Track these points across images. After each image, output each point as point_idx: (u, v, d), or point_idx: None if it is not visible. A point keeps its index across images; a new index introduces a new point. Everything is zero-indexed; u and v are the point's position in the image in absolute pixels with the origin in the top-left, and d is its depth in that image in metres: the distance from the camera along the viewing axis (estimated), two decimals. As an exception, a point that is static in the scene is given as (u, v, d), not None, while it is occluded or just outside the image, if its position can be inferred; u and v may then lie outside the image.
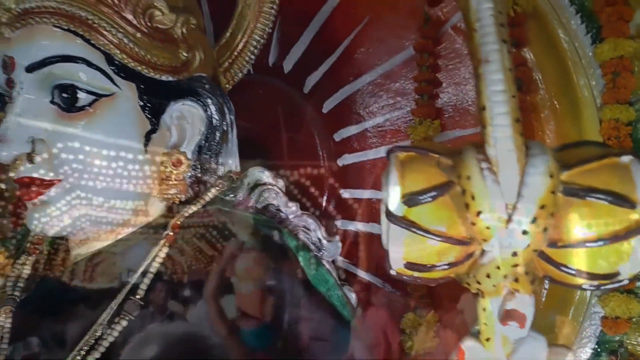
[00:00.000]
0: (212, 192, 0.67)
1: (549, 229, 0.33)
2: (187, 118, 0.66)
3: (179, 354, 0.57)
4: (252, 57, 0.75)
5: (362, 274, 0.82)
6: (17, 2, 0.57)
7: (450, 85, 0.79)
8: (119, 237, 0.65)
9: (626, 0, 0.71)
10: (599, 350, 0.70)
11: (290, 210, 0.70)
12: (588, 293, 0.70)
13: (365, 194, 0.85)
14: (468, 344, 0.37)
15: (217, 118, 0.67)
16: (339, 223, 0.84)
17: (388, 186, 0.34)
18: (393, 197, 0.34)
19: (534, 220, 0.32)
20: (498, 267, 0.33)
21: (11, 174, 0.59)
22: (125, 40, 0.59)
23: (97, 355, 0.56)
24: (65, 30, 0.57)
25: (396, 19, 0.83)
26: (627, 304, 0.64)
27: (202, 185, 0.69)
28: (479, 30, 0.37)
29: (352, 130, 0.86)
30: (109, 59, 0.59)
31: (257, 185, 0.71)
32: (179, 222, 0.63)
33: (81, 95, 0.58)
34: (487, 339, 0.37)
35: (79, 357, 0.57)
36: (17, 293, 0.67)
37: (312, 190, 0.86)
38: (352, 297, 0.70)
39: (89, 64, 0.58)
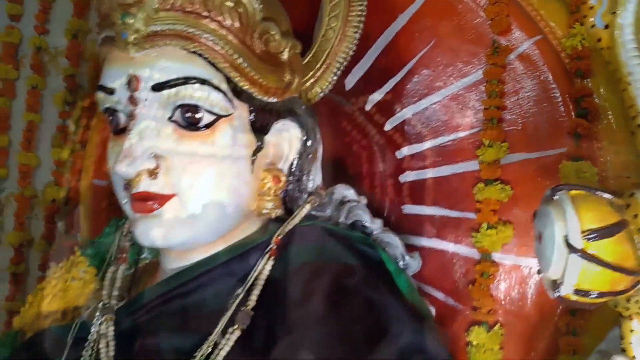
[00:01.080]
0: (307, 208, 0.71)
1: None
2: (284, 137, 0.69)
3: None
4: (335, 77, 0.78)
5: (424, 287, 0.86)
6: (147, 24, 0.59)
7: (514, 109, 0.84)
8: (216, 250, 0.68)
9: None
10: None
11: (375, 226, 0.73)
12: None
13: (428, 210, 0.89)
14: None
15: (311, 137, 0.71)
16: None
17: (566, 221, 0.38)
18: (573, 232, 0.38)
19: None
20: (667, 296, 0.38)
21: (132, 190, 0.61)
22: (245, 64, 0.62)
23: None
24: (191, 52, 0.60)
25: (462, 44, 0.88)
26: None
27: (292, 201, 0.72)
28: (633, 84, 0.41)
29: (415, 148, 0.90)
30: (228, 81, 0.62)
31: (343, 201, 0.74)
32: (280, 237, 0.66)
33: (204, 115, 0.61)
34: (633, 357, 0.42)
35: None
36: (113, 302, 0.69)
37: (374, 206, 0.89)
38: (432, 310, 0.74)
39: (213, 85, 0.60)
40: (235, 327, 0.60)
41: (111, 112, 0.65)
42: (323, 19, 0.78)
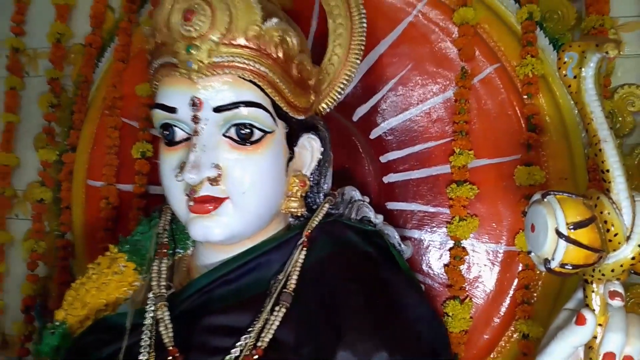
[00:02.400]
0: (326, 207, 0.85)
1: (645, 243, 0.57)
2: (307, 147, 0.83)
3: None
4: (339, 96, 0.92)
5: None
6: (210, 56, 0.70)
7: (478, 123, 1.02)
8: (253, 244, 0.80)
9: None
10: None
11: (378, 221, 0.89)
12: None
13: (407, 206, 1.06)
14: (585, 311, 0.60)
15: (327, 147, 0.85)
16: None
17: (556, 216, 0.56)
18: (561, 224, 0.56)
19: (643, 240, 0.56)
20: (621, 265, 0.57)
21: (196, 194, 0.72)
22: (286, 89, 0.75)
23: (269, 336, 0.71)
24: (246, 80, 0.72)
25: (435, 68, 1.05)
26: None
27: (311, 201, 0.86)
28: (595, 120, 0.59)
29: (396, 154, 1.07)
30: (272, 103, 0.74)
31: (352, 201, 0.89)
32: (309, 231, 0.80)
33: (255, 132, 0.73)
34: (594, 310, 0.60)
35: (250, 340, 0.72)
36: (163, 290, 0.79)
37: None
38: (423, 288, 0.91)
39: (264, 108, 0.73)
40: (281, 305, 0.74)
41: (167, 127, 0.75)
42: (328, 46, 0.92)
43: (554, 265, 0.58)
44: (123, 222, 1.21)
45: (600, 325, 0.60)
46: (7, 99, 1.37)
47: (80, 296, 0.84)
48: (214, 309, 0.76)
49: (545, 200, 0.59)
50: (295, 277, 0.76)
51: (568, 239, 0.56)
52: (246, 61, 0.71)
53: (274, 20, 0.73)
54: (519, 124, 1.01)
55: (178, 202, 0.75)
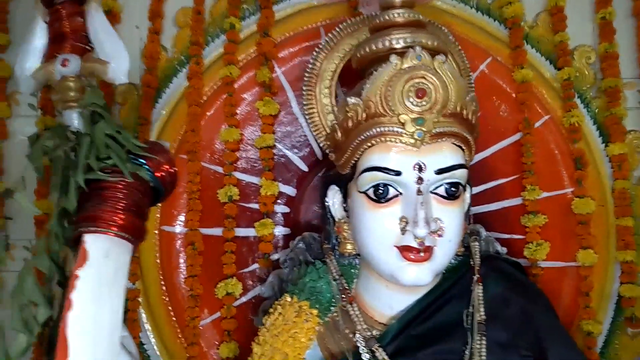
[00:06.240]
0: (477, 245, 0.99)
1: None
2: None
3: None
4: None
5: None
6: (433, 127, 0.81)
7: (540, 163, 1.24)
8: (434, 284, 0.92)
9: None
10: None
11: (503, 252, 1.06)
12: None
13: (487, 234, 1.24)
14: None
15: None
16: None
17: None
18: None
19: None
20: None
21: (423, 245, 0.81)
22: (473, 149, 0.89)
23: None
24: (456, 145, 0.84)
25: (502, 117, 1.25)
26: None
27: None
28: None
29: (473, 190, 1.24)
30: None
31: (482, 237, 1.05)
32: (478, 268, 0.94)
33: (460, 188, 0.85)
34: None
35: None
36: (368, 333, 0.87)
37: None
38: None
39: (466, 167, 0.86)
40: (481, 335, 0.86)
41: (382, 186, 0.83)
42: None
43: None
44: (206, 266, 1.21)
45: None
46: (42, 141, 1.25)
47: (278, 347, 0.87)
48: (420, 345, 0.86)
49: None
50: (482, 308, 0.89)
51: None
52: (457, 129, 0.84)
53: (471, 93, 0.86)
54: (567, 162, 1.25)
55: (387, 252, 0.84)
